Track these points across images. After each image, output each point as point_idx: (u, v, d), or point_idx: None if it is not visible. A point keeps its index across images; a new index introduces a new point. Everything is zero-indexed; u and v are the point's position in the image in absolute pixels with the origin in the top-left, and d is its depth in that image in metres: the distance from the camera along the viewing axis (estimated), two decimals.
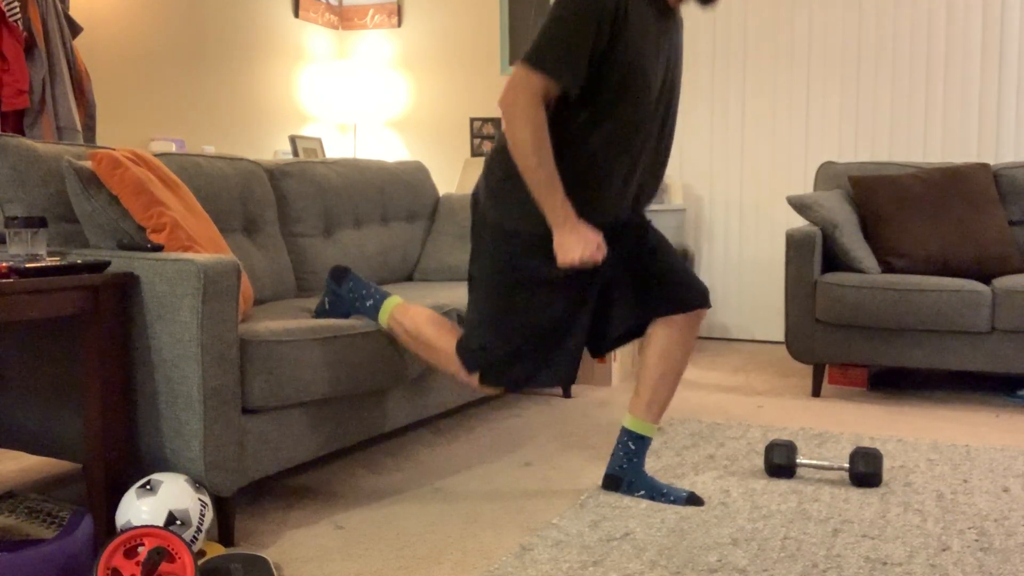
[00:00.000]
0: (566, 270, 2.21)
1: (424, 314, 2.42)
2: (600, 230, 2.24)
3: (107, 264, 1.98)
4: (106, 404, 1.98)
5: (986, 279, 3.60)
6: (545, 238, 2.19)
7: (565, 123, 2.15)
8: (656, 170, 2.32)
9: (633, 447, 2.41)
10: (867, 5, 4.72)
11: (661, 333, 2.36)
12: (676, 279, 2.34)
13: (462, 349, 2.30)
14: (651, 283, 2.33)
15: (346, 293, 2.53)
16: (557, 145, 2.16)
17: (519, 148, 2.09)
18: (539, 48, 2.08)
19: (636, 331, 2.40)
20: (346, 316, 2.52)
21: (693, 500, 2.33)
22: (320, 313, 2.55)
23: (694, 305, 2.34)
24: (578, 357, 2.32)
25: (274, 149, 5.31)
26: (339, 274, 2.55)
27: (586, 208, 2.20)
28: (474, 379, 2.29)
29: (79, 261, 1.94)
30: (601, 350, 2.41)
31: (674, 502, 2.34)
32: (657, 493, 2.36)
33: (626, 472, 2.41)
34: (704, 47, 5.05)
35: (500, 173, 2.22)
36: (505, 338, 2.24)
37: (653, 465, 2.68)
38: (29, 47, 3.54)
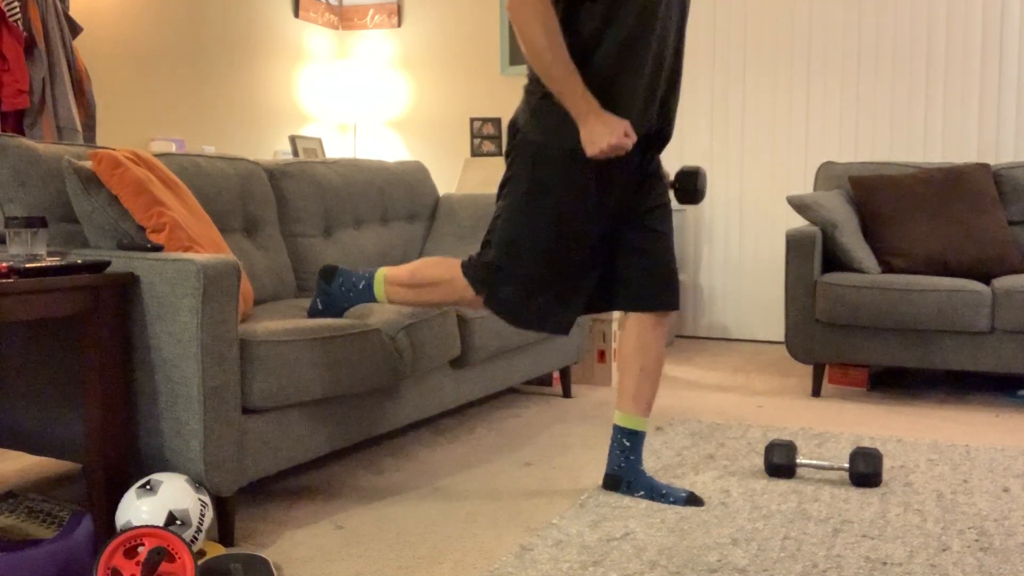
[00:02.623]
0: (599, 189, 2.21)
1: (416, 263, 2.44)
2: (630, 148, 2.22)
3: (107, 264, 1.98)
4: (106, 404, 1.98)
5: (986, 279, 3.60)
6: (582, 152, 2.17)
7: (578, 28, 2.14)
8: (674, 83, 2.30)
9: (628, 443, 2.41)
10: (867, 5, 4.72)
11: (635, 328, 2.38)
12: (657, 276, 2.35)
13: (473, 266, 2.28)
14: (632, 274, 2.33)
15: (337, 289, 2.51)
16: (573, 55, 2.13)
17: (532, 48, 2.08)
18: None
19: (598, 309, 2.42)
20: (340, 314, 2.52)
21: (693, 500, 2.33)
22: (313, 313, 2.54)
23: (660, 307, 2.36)
24: (583, 303, 2.33)
25: (274, 149, 5.32)
26: (328, 272, 2.55)
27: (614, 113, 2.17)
28: (479, 299, 2.28)
29: (79, 261, 1.94)
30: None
31: (673, 503, 2.34)
32: (656, 493, 2.36)
33: (624, 471, 2.41)
34: (704, 47, 5.05)
35: (539, 92, 2.21)
36: (529, 261, 2.22)
37: (653, 465, 2.68)
38: (29, 47, 3.54)
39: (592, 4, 2.13)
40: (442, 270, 2.36)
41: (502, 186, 2.30)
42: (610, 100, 2.16)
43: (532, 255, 2.23)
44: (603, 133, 2.10)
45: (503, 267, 2.25)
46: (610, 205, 2.27)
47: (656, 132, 2.32)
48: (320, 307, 2.53)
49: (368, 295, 2.47)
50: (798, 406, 3.52)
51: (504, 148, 2.32)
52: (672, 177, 2.38)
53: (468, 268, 2.31)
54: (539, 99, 2.21)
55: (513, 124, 2.30)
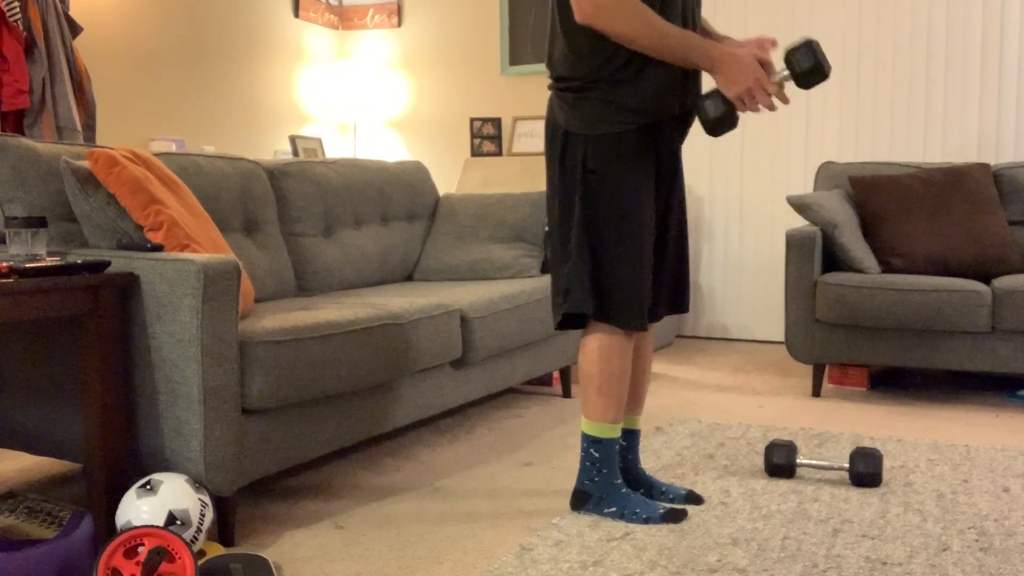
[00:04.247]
0: (647, 173, 2.15)
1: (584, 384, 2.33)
2: (665, 126, 2.18)
3: (107, 264, 1.98)
4: (106, 404, 1.98)
5: (986, 279, 3.60)
6: (631, 134, 2.13)
7: None
8: (698, 72, 2.25)
9: (624, 442, 2.40)
10: (867, 5, 4.72)
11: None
12: (675, 278, 2.35)
13: (564, 303, 2.18)
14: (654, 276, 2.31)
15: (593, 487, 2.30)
16: (605, 37, 2.09)
17: (633, 33, 2.02)
18: None
19: None
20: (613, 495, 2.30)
21: (690, 499, 2.32)
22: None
23: (675, 311, 2.37)
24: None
25: (274, 149, 5.31)
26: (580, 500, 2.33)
27: (652, 97, 2.13)
28: (592, 341, 2.19)
29: (79, 261, 1.94)
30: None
31: (673, 500, 2.32)
32: (657, 492, 2.36)
33: (625, 470, 2.40)
34: None
35: (574, 87, 2.16)
36: (616, 266, 2.14)
37: (653, 465, 2.68)
38: (29, 47, 3.54)
39: None
40: (581, 363, 2.27)
41: (556, 194, 2.21)
42: (652, 78, 2.12)
43: (617, 258, 2.15)
44: (740, 72, 2.02)
45: (609, 288, 2.16)
46: (660, 191, 2.25)
47: (688, 112, 2.26)
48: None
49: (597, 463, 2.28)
50: (798, 406, 3.52)
51: (547, 151, 2.26)
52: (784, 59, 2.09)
53: (563, 306, 2.20)
54: (575, 95, 2.17)
55: (552, 124, 2.24)
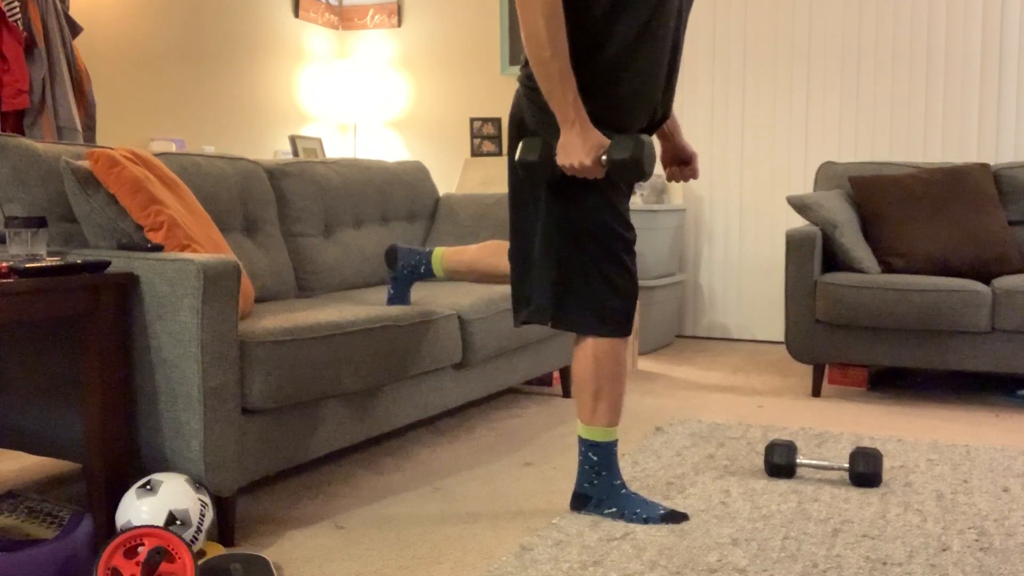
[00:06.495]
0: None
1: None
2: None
3: (107, 264, 1.98)
4: (106, 404, 1.98)
5: (986, 279, 3.60)
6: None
7: (585, 15, 2.04)
8: (671, 83, 2.23)
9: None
10: (867, 5, 4.72)
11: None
12: None
13: (569, 318, 2.18)
14: None
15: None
16: (579, 42, 2.05)
17: (533, 39, 1.98)
18: None
19: None
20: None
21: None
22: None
23: None
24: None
25: (274, 149, 5.31)
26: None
27: (612, 113, 2.11)
28: (586, 346, 2.18)
29: (79, 261, 1.94)
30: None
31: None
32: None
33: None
34: (704, 47, 5.05)
35: (543, 98, 2.11)
36: (584, 254, 2.13)
37: (653, 464, 2.68)
38: (29, 47, 3.54)
39: (605, 7, 2.05)
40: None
41: (519, 194, 2.19)
42: (610, 96, 2.10)
43: (579, 245, 2.13)
44: (580, 149, 2.01)
45: (563, 278, 2.14)
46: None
47: (661, 118, 2.24)
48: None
49: (429, 276, 2.65)
50: (798, 406, 3.52)
51: (511, 147, 2.22)
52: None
53: (566, 321, 2.19)
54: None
55: (518, 124, 2.20)
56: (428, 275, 2.69)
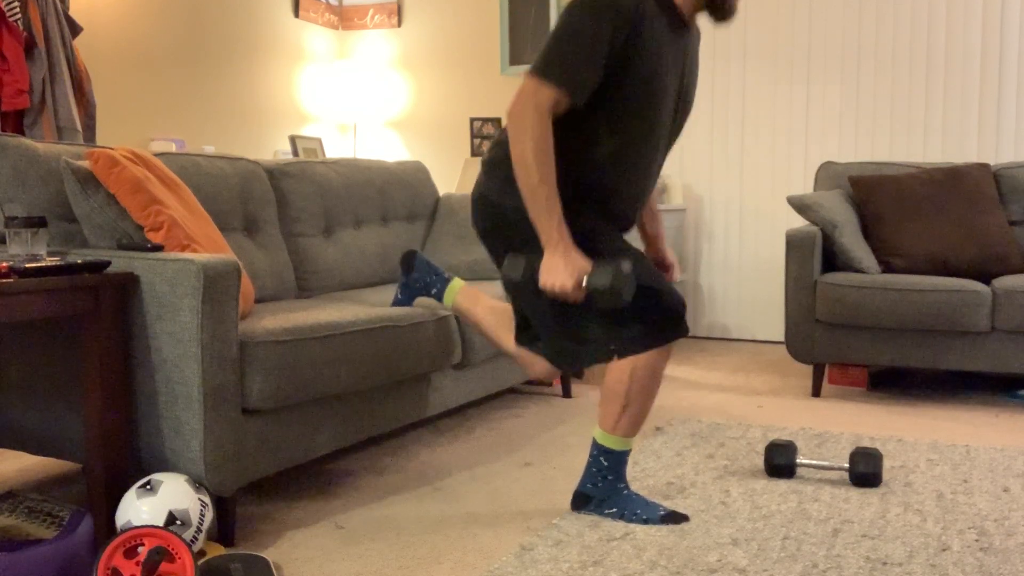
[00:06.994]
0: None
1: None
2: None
3: (107, 264, 1.98)
4: (106, 404, 1.98)
5: (986, 279, 3.60)
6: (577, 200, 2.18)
7: (576, 131, 2.13)
8: (656, 175, 2.30)
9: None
10: (867, 5, 4.72)
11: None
12: None
13: (565, 359, 2.26)
14: None
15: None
16: (568, 153, 2.13)
17: (521, 162, 2.04)
18: (549, 59, 2.04)
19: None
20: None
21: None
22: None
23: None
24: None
25: (274, 149, 5.31)
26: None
27: (597, 217, 2.19)
28: (625, 361, 2.20)
29: (79, 261, 1.94)
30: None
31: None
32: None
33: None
34: (704, 47, 5.05)
35: (508, 166, 2.18)
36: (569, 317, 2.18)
37: (653, 464, 2.68)
38: (29, 47, 3.54)
39: (593, 114, 2.11)
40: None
41: (508, 268, 2.17)
42: (595, 203, 2.18)
43: (555, 312, 2.20)
44: (562, 272, 2.03)
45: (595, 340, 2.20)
46: None
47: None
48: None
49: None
50: (798, 406, 3.52)
51: (479, 229, 2.27)
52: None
53: (561, 361, 2.28)
54: (512, 167, 2.14)
55: (484, 201, 2.23)
56: (437, 299, 2.64)
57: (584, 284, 2.04)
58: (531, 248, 2.15)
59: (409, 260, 2.68)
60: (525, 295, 2.17)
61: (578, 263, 2.04)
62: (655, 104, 2.13)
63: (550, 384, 3.85)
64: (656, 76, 2.11)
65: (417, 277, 2.66)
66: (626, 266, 2.01)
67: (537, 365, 2.38)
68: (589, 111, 2.11)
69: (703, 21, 5.02)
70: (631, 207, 2.25)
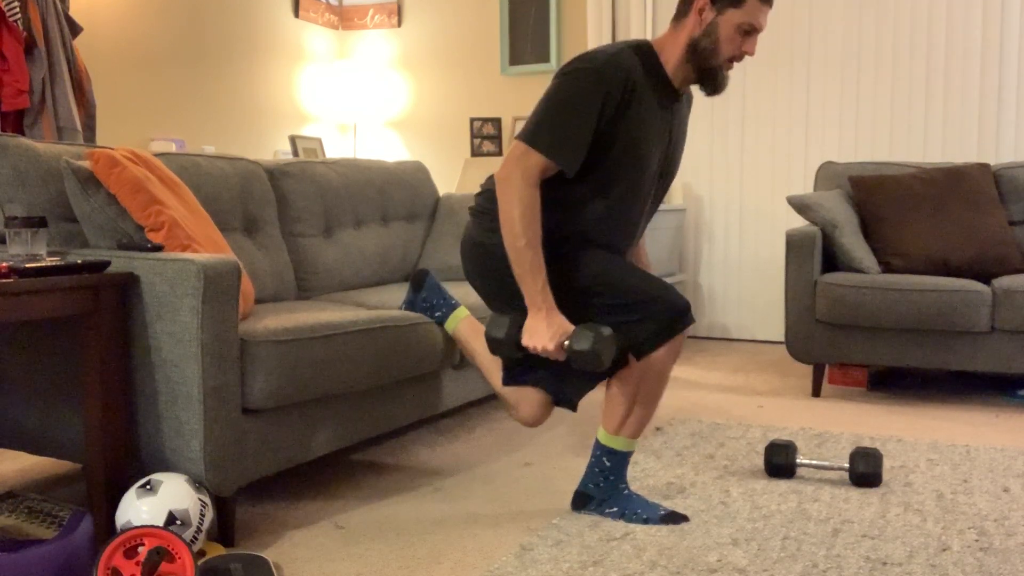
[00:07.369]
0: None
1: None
2: None
3: (107, 264, 1.98)
4: (106, 404, 1.98)
5: (986, 279, 3.60)
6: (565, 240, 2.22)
7: (564, 191, 2.17)
8: (641, 231, 2.36)
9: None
10: (867, 5, 4.72)
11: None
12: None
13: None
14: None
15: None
16: (555, 211, 2.17)
17: (509, 225, 2.08)
18: (539, 128, 2.09)
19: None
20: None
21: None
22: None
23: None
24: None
25: (274, 149, 5.32)
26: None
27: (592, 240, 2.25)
28: (658, 364, 2.21)
29: (79, 261, 1.94)
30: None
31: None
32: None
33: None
34: None
35: (495, 214, 2.23)
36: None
37: (653, 464, 2.68)
38: (29, 47, 3.54)
39: (578, 183, 2.16)
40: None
41: (498, 336, 2.18)
42: (596, 242, 2.22)
43: (586, 298, 2.23)
44: (544, 334, 2.07)
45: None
46: None
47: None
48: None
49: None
50: (798, 406, 3.52)
51: (471, 272, 2.32)
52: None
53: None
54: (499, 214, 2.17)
55: (472, 243, 2.28)
56: (439, 323, 2.67)
57: (565, 346, 2.08)
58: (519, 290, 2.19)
59: (420, 279, 2.69)
60: (508, 352, 2.18)
61: (560, 325, 2.09)
62: (638, 169, 2.18)
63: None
64: (640, 143, 2.16)
65: (425, 298, 2.68)
66: (606, 330, 2.05)
67: (522, 407, 2.40)
68: (576, 176, 2.16)
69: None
70: (618, 252, 2.31)
